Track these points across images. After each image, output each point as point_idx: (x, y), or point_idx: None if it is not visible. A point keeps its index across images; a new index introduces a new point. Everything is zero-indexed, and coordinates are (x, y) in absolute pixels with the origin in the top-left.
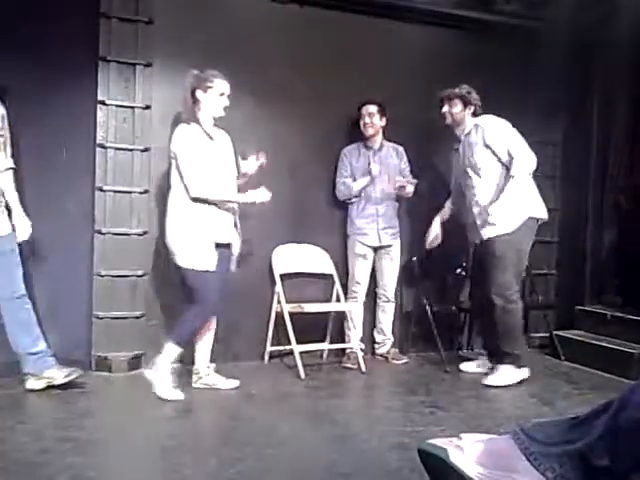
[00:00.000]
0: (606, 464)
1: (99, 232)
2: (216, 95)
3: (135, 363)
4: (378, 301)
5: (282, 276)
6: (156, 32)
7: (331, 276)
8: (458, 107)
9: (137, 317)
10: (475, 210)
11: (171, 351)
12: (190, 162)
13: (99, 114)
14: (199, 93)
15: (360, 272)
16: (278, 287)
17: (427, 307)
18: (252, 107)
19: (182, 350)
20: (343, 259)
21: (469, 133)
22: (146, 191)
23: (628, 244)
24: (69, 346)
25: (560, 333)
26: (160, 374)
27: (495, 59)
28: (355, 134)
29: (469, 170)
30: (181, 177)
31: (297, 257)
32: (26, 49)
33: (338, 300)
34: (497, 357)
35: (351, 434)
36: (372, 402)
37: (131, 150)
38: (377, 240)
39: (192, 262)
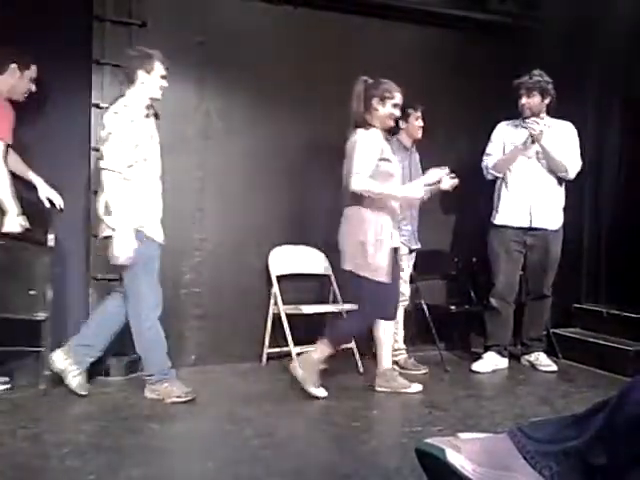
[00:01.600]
0: (603, 462)
1: (95, 236)
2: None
3: (132, 367)
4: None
5: (279, 277)
6: (149, 35)
7: (328, 277)
8: (536, 98)
9: None
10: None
11: (323, 350)
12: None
13: (93, 117)
14: None
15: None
16: (275, 288)
17: (424, 306)
18: (248, 109)
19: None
20: (339, 260)
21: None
22: None
23: (625, 242)
24: None
25: (557, 331)
26: (308, 371)
27: (490, 58)
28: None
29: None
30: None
31: (294, 258)
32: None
33: (335, 301)
34: (536, 346)
35: (350, 435)
36: (370, 403)
37: None
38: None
39: (373, 273)
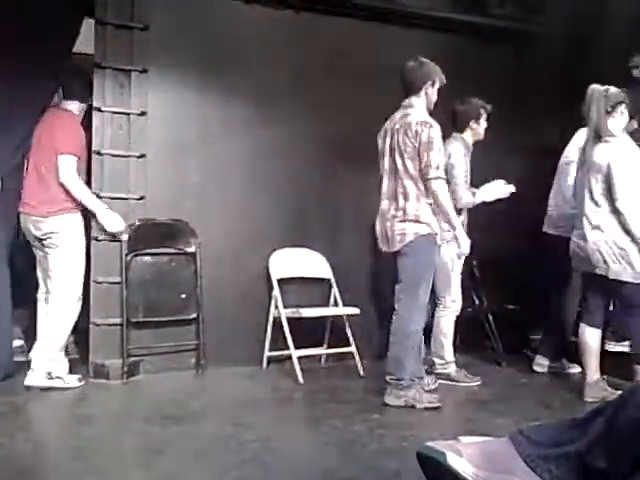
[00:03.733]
0: (603, 466)
1: (96, 239)
2: None
3: (133, 370)
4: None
5: (279, 281)
6: (151, 38)
7: (328, 280)
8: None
9: (134, 324)
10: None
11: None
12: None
13: (95, 121)
14: None
15: None
16: (276, 292)
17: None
18: (250, 113)
19: None
20: (340, 263)
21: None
22: (142, 197)
23: None
24: (67, 353)
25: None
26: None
27: (490, 62)
28: (354, 138)
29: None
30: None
31: (294, 262)
32: (21, 55)
33: (336, 304)
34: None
35: (350, 438)
36: (371, 406)
37: (127, 157)
38: None
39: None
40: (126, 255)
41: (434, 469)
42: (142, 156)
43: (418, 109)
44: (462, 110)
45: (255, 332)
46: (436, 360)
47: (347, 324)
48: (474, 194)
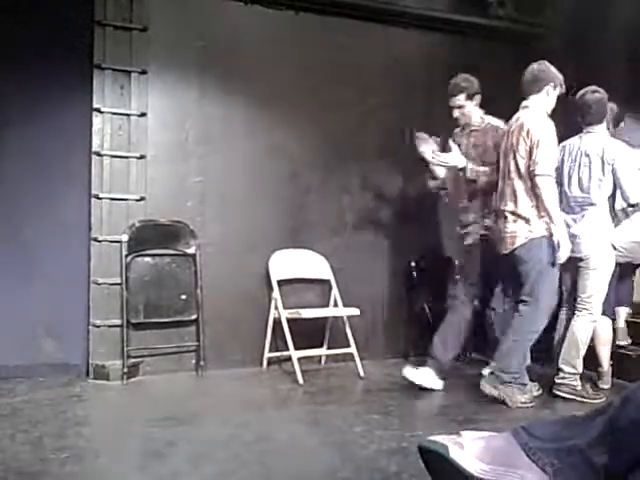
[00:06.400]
0: (605, 462)
1: (95, 240)
2: None
3: (133, 371)
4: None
5: (279, 282)
6: (151, 39)
7: (328, 281)
8: None
9: (134, 325)
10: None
11: None
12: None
13: (95, 122)
14: None
15: None
16: (276, 293)
17: (427, 310)
18: (250, 114)
19: None
20: (340, 264)
21: None
22: (142, 198)
23: None
24: (66, 354)
25: None
26: None
27: (490, 62)
28: (354, 138)
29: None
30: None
31: (294, 263)
32: (22, 57)
33: (336, 305)
34: None
35: (350, 439)
36: (371, 407)
37: (127, 157)
38: None
39: None
40: (126, 256)
41: (436, 462)
42: (142, 157)
43: (534, 109)
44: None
45: (255, 333)
46: (565, 368)
47: (347, 325)
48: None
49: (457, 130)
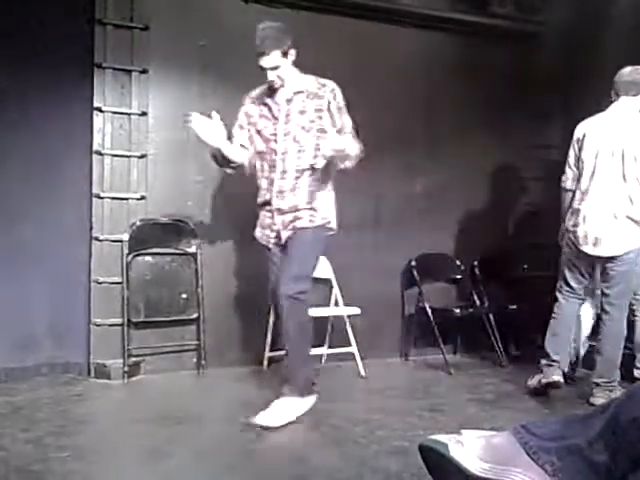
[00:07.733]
0: (605, 460)
1: (96, 239)
2: None
3: (133, 370)
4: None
5: None
6: (152, 38)
7: (329, 281)
8: None
9: (135, 324)
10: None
11: None
12: None
13: (95, 121)
14: None
15: None
16: None
17: (428, 309)
18: None
19: None
20: (341, 263)
21: None
22: (143, 197)
23: None
24: (67, 353)
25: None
26: None
27: (491, 61)
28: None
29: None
30: None
31: None
32: (22, 56)
33: (336, 304)
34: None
35: (351, 439)
36: (372, 406)
37: (128, 157)
38: None
39: None
40: (127, 255)
41: (436, 461)
42: (143, 156)
43: (629, 110)
44: None
45: (256, 332)
46: None
47: (348, 324)
48: None
49: (255, 93)
